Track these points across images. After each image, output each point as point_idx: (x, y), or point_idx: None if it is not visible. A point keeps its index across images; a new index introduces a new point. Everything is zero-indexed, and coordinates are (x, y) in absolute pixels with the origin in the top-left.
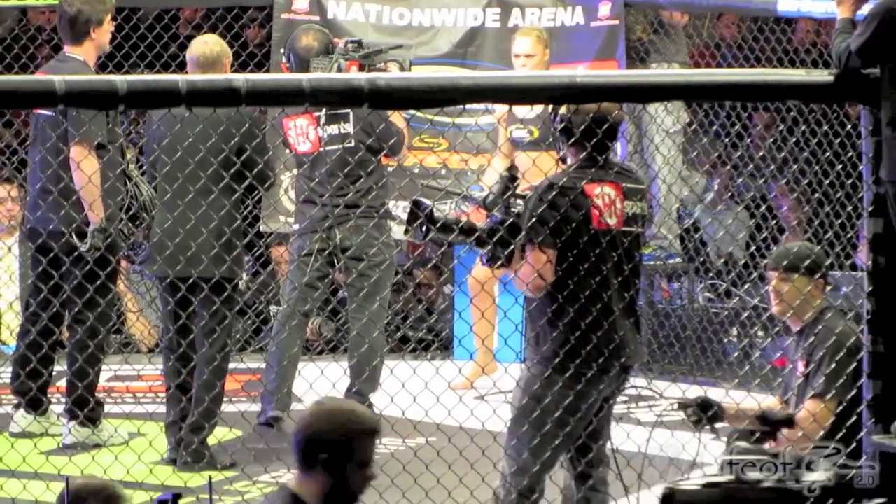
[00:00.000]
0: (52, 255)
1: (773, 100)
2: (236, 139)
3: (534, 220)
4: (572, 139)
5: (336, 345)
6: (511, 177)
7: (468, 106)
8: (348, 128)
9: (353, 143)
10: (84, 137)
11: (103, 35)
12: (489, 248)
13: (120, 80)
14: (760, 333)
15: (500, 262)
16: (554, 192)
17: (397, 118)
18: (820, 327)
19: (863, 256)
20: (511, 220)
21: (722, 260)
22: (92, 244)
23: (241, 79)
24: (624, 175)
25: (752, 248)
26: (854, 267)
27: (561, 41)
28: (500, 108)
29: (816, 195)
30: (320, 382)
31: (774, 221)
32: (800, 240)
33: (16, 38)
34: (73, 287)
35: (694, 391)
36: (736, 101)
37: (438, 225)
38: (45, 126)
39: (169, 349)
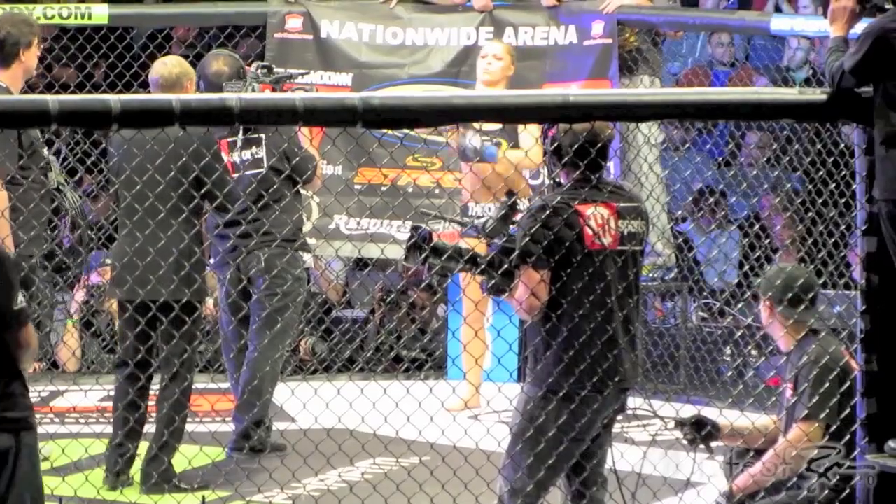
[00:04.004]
0: None
1: (766, 119)
2: (184, 159)
3: (527, 240)
4: (564, 160)
5: (329, 364)
6: (512, 203)
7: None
8: (261, 153)
9: (264, 169)
10: None
11: (31, 58)
12: (491, 277)
13: (114, 99)
14: (754, 353)
15: (503, 292)
16: (546, 213)
17: (312, 147)
18: (806, 350)
19: (857, 275)
20: (511, 247)
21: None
22: None
23: (235, 98)
24: (617, 194)
25: (746, 268)
26: (848, 286)
27: (554, 60)
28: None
29: (810, 214)
30: (314, 402)
31: (768, 240)
32: (793, 259)
33: None
34: None
35: (687, 410)
36: (729, 121)
37: (434, 250)
38: None
39: (122, 370)
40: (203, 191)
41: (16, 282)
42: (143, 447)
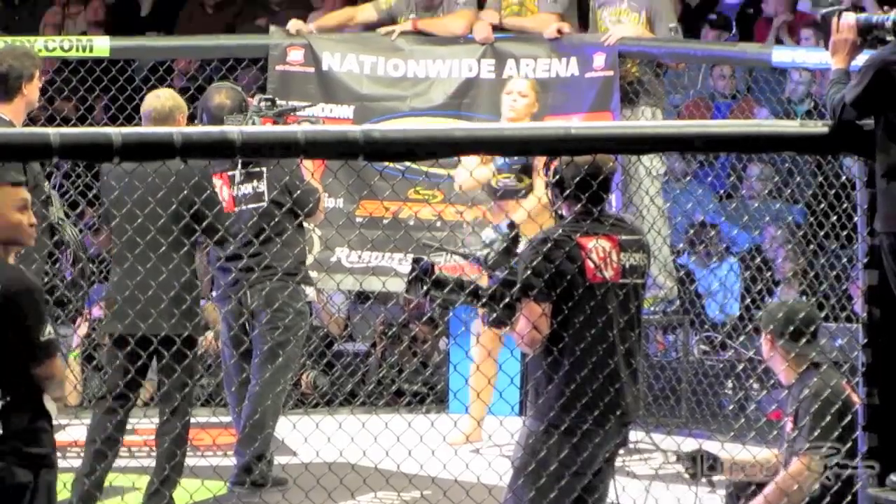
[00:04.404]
0: None
1: (768, 151)
2: (185, 192)
3: (528, 273)
4: (566, 192)
5: (331, 398)
6: (514, 235)
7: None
8: (262, 187)
9: (265, 203)
10: None
11: (33, 91)
12: (493, 309)
13: (115, 132)
14: (756, 386)
15: (505, 325)
16: (548, 246)
17: (314, 180)
18: (808, 383)
19: (858, 308)
20: (513, 279)
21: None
22: None
23: (236, 130)
24: (619, 227)
25: (748, 301)
26: (849, 319)
27: (556, 92)
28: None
29: (811, 247)
30: (316, 436)
31: (769, 273)
32: (795, 292)
33: None
34: None
35: (689, 444)
36: (730, 153)
37: (436, 282)
38: None
39: (113, 405)
40: (204, 225)
41: (44, 313)
42: (144, 481)
